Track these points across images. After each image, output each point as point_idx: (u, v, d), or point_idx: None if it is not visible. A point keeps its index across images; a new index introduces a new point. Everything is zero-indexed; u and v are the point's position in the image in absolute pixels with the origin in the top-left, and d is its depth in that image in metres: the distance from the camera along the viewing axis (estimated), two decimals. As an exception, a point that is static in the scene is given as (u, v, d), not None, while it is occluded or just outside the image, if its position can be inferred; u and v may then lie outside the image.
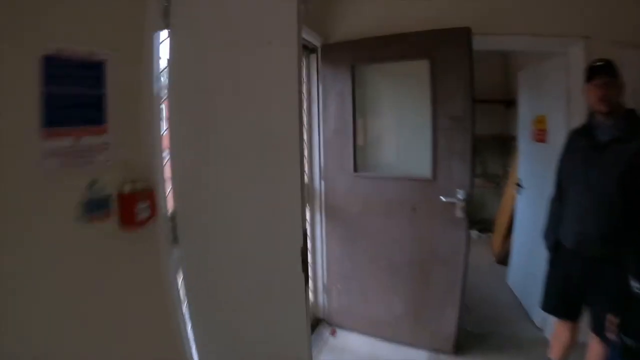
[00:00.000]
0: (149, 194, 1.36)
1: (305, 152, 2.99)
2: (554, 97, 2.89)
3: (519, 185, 3.61)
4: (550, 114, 3.02)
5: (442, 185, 2.57)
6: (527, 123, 3.51)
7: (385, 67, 2.93)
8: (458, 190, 2.50)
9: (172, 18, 1.42)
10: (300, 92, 1.30)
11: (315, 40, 2.81)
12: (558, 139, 2.49)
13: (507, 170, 4.86)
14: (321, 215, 3.08)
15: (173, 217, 1.57)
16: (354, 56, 2.80)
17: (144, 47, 1.33)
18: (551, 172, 2.23)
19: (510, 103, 4.90)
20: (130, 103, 1.31)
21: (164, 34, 1.44)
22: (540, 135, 3.18)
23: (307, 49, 2.86)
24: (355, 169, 2.89)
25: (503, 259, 4.24)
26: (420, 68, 2.61)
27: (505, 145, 5.21)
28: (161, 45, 1.44)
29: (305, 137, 2.98)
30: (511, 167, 4.61)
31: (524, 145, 3.68)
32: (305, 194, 1.34)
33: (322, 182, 3.04)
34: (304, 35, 2.69)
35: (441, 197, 2.55)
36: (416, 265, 2.75)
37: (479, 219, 5.30)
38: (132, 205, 1.28)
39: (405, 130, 3.03)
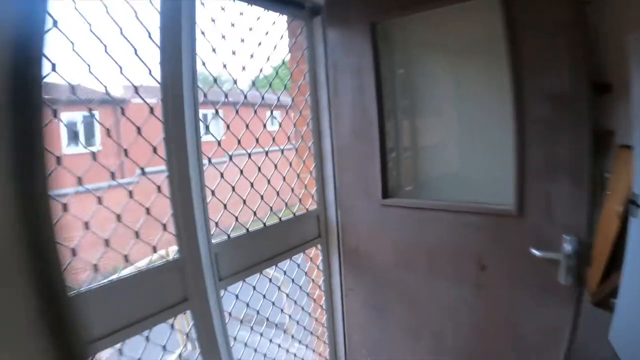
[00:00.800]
0: None
1: (313, 166, 2.04)
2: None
3: (633, 202, 2.57)
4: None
5: (534, 226, 1.45)
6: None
7: (430, 23, 1.83)
8: (564, 236, 1.38)
9: None
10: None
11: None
12: None
13: (605, 177, 3.73)
14: (339, 259, 2.08)
15: None
16: (373, 9, 1.73)
17: None
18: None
19: (604, 88, 3.75)
20: None
21: None
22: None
23: (305, 8, 1.85)
24: (385, 193, 1.85)
25: (602, 301, 3.27)
26: (491, 17, 1.46)
27: (600, 145, 4.02)
28: None
29: (311, 143, 2.02)
30: (612, 173, 3.61)
31: (643, 143, 2.55)
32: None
33: (339, 212, 2.03)
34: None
35: (531, 249, 1.44)
36: (484, 354, 1.67)
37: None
38: None
39: (469, 128, 1.92)
